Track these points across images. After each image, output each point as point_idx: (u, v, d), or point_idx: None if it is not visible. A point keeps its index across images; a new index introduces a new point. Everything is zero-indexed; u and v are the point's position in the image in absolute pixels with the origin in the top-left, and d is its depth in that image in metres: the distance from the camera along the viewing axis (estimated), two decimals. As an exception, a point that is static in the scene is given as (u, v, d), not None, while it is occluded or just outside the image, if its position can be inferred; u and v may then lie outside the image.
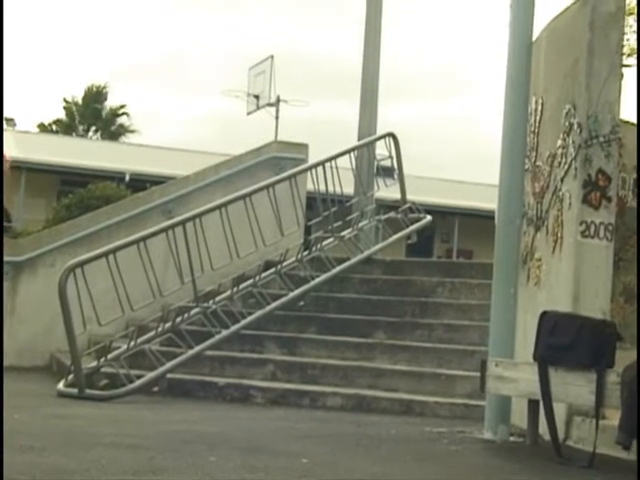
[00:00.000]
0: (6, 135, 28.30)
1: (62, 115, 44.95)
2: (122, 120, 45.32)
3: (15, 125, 35.21)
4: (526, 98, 6.76)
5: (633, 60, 11.35)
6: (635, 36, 12.28)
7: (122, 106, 45.21)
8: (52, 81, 65.41)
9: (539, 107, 7.16)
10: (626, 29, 7.65)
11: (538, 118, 7.16)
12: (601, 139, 6.43)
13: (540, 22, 6.98)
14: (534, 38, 6.85)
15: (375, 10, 12.88)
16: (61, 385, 8.30)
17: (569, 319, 5.85)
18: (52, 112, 48.77)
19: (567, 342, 5.59)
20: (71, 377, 8.26)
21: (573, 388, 5.54)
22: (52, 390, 8.26)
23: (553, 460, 5.57)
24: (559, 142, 6.73)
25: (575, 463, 5.46)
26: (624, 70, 6.76)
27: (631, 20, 11.98)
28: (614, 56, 6.48)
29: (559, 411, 5.95)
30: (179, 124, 64.71)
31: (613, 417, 5.58)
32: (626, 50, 9.93)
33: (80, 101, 44.77)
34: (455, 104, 65.81)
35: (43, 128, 42.50)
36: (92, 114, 44.19)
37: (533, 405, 6.01)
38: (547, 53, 7.09)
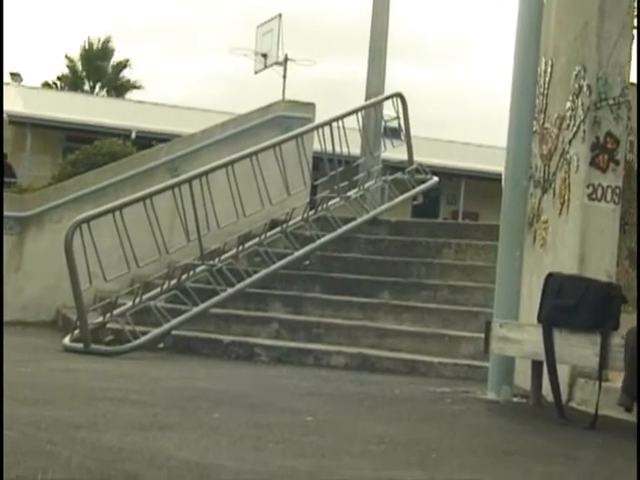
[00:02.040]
0: (12, 91, 28.25)
1: (66, 71, 44.70)
2: (127, 75, 45.11)
3: (21, 80, 35.09)
4: (535, 59, 6.73)
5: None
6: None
7: (126, 60, 44.95)
8: (56, 36, 65.03)
9: (548, 68, 7.13)
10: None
11: (547, 80, 7.13)
12: (610, 101, 6.41)
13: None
14: (545, -1, 6.81)
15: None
16: (67, 340, 8.35)
17: (574, 281, 5.86)
18: (56, 68, 48.58)
19: (572, 304, 5.60)
20: (77, 332, 8.30)
21: (577, 350, 5.56)
22: (58, 345, 8.31)
23: (555, 421, 5.60)
24: (568, 104, 6.71)
25: (577, 424, 5.49)
26: (635, 32, 6.72)
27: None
28: (625, 17, 6.45)
29: (563, 373, 5.97)
30: (185, 83, 64.56)
31: (616, 379, 5.60)
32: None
33: (83, 56, 44.49)
34: (463, 67, 65.47)
35: (47, 85, 42.29)
36: (96, 70, 43.97)
37: (537, 366, 6.03)
38: (557, 14, 7.05)
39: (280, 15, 26.90)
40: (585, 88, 6.48)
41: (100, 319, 8.63)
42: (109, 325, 8.56)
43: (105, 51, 44.88)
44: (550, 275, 5.99)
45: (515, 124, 6.71)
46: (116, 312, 8.63)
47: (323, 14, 62.00)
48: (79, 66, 44.45)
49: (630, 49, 6.48)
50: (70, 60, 44.54)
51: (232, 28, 60.02)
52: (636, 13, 6.56)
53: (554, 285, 5.84)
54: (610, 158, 6.42)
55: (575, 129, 6.59)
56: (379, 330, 8.53)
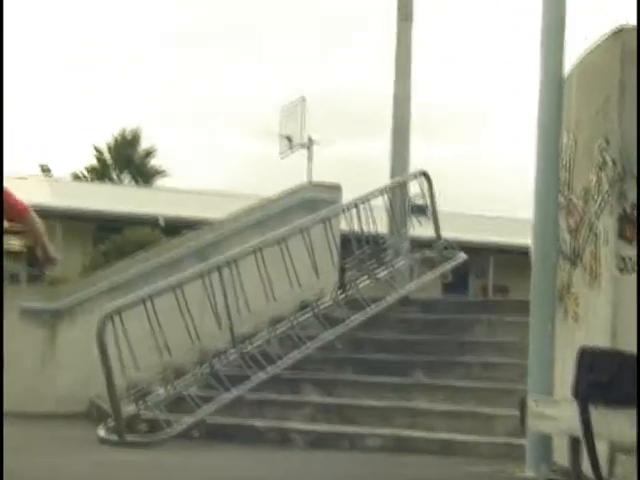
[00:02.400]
0: (42, 184, 28.61)
1: (94, 162, 45.27)
2: (153, 162, 45.59)
3: (51, 173, 35.54)
4: (558, 134, 6.77)
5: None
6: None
7: (153, 149, 45.45)
8: (84, 128, 65.98)
9: (572, 142, 7.16)
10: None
11: (571, 153, 7.16)
12: (635, 173, 6.41)
13: (571, 58, 7.00)
14: (565, 74, 6.86)
15: (405, 44, 12.93)
16: (101, 431, 8.33)
17: (608, 356, 5.80)
18: (85, 159, 49.17)
19: (606, 379, 5.54)
20: (111, 423, 8.29)
21: (615, 426, 5.48)
22: (92, 436, 8.28)
23: (597, 498, 5.50)
24: (592, 177, 6.72)
25: (619, 501, 5.40)
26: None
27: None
28: (646, 90, 6.46)
29: (601, 449, 5.89)
30: (211, 167, 65.09)
31: (656, 453, 5.51)
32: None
33: (112, 146, 45.11)
34: (488, 140, 65.67)
35: (76, 177, 42.79)
36: (124, 159, 44.50)
37: (574, 443, 5.95)
38: (578, 89, 7.09)
39: (304, 98, 27.20)
40: (609, 161, 6.50)
41: (133, 408, 8.61)
42: (143, 414, 8.54)
43: (134, 140, 45.48)
44: (583, 349, 5.93)
45: (541, 198, 6.73)
46: (150, 401, 8.61)
47: (344, 92, 62.60)
48: (107, 156, 45.02)
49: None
50: (99, 151, 45.14)
51: (254, 110, 60.64)
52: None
53: (587, 360, 5.78)
54: (638, 229, 6.40)
55: (601, 202, 6.59)
56: (413, 410, 8.47)
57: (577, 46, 7.24)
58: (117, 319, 8.28)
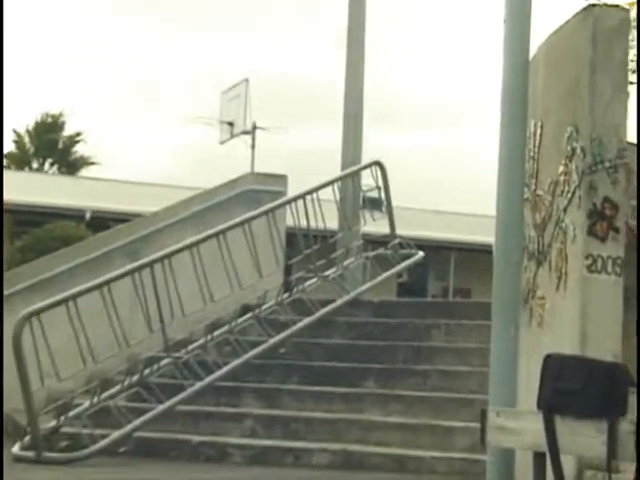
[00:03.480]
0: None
1: (12, 148, 44.86)
2: (80, 150, 45.28)
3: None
4: (523, 121, 6.79)
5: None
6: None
7: (78, 134, 45.09)
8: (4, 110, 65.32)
9: (538, 130, 7.20)
10: (631, 44, 7.71)
11: (537, 142, 7.20)
12: (607, 164, 6.47)
13: (537, 38, 7.04)
14: (531, 56, 6.90)
15: (357, 26, 12.98)
16: (16, 448, 8.26)
17: (576, 362, 5.84)
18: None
19: (574, 388, 5.57)
20: (28, 439, 8.22)
21: (582, 439, 5.52)
22: (6, 454, 8.20)
23: (563, 519, 5.55)
24: (561, 168, 6.77)
25: (587, 522, 5.44)
26: (630, 88, 6.81)
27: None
28: (619, 73, 6.53)
29: (568, 464, 5.94)
30: (144, 156, 64.78)
31: (628, 470, 5.57)
32: (632, 67, 10.01)
33: (32, 131, 44.69)
34: (451, 131, 66.03)
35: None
36: (46, 145, 44.11)
37: (539, 458, 5.99)
38: (546, 71, 7.14)
39: (247, 80, 27.13)
40: (579, 150, 6.54)
41: (54, 423, 8.56)
42: (64, 429, 8.49)
43: (56, 125, 45.08)
44: (549, 356, 5.98)
45: (504, 191, 6.75)
46: (72, 414, 8.57)
47: (291, 77, 62.60)
48: (27, 141, 44.60)
49: (626, 106, 6.55)
50: (18, 135, 44.70)
51: (194, 95, 60.39)
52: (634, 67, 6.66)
53: (554, 367, 5.82)
54: (609, 226, 6.45)
55: (570, 195, 6.63)
56: (364, 423, 8.50)
57: (544, 25, 7.29)
58: (36, 322, 8.20)
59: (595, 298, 6.36)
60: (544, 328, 6.89)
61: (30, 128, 44.83)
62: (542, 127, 7.15)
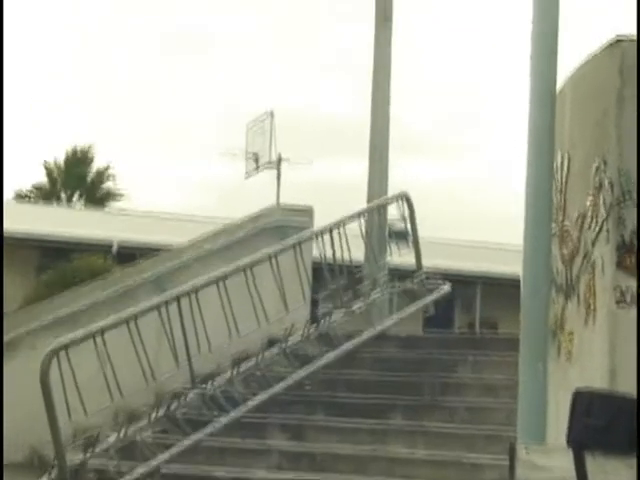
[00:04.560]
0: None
1: (42, 180, 45.04)
2: (108, 184, 45.45)
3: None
4: (551, 153, 6.77)
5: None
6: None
7: (107, 168, 45.27)
8: (32, 144, 65.76)
9: (565, 163, 7.17)
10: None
11: (564, 175, 7.17)
12: (635, 197, 6.43)
13: (564, 72, 7.03)
14: (557, 89, 6.89)
15: (382, 60, 13.02)
16: (43, 483, 8.25)
17: (605, 398, 5.80)
18: (31, 178, 48.82)
19: (603, 424, 5.53)
20: (55, 473, 8.20)
21: (613, 476, 5.48)
22: (34, 487, 8.20)
23: None
24: (589, 201, 6.73)
25: None
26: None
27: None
28: (647, 104, 6.50)
29: (598, 501, 5.88)
30: (172, 191, 64.94)
31: (659, 507, 5.51)
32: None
33: (62, 165, 44.90)
34: (477, 162, 65.93)
35: (21, 196, 42.48)
36: (75, 179, 44.31)
37: (569, 495, 5.94)
38: (572, 104, 7.12)
39: (271, 113, 27.22)
40: (607, 183, 6.51)
41: (81, 456, 8.53)
42: (91, 463, 8.46)
43: (85, 158, 45.27)
44: (578, 392, 5.93)
45: (531, 224, 6.72)
46: (98, 448, 8.53)
47: (317, 109, 62.75)
48: (56, 174, 44.80)
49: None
50: (48, 168, 44.89)
51: (219, 129, 60.59)
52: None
53: (583, 403, 5.77)
54: (638, 259, 6.41)
55: (598, 228, 6.60)
56: (391, 458, 8.44)
57: (570, 60, 7.28)
58: (63, 356, 8.21)
59: (624, 332, 6.31)
60: (572, 362, 6.84)
61: (59, 161, 45.06)
62: (569, 160, 7.12)
